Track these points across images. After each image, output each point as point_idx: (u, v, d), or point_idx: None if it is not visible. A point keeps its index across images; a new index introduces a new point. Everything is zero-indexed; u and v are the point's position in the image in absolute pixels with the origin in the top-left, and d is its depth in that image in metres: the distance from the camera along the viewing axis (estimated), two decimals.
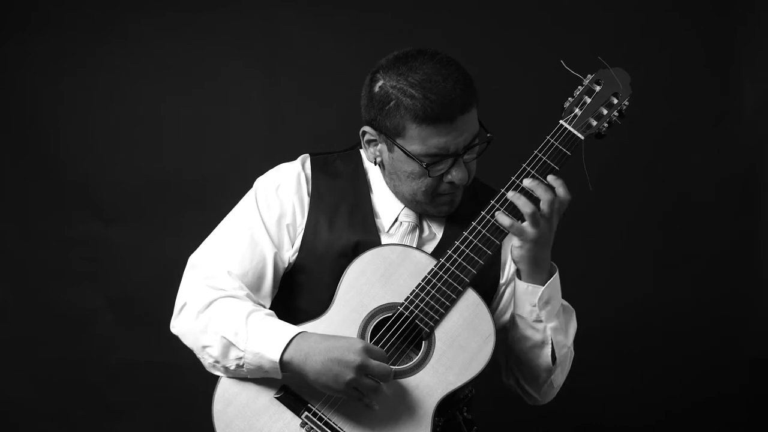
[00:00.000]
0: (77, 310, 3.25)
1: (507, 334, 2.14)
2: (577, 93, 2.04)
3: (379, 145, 2.08)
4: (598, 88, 2.03)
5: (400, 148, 2.02)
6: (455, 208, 2.11)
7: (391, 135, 2.02)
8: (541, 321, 2.04)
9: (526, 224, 1.97)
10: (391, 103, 2.00)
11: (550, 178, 1.99)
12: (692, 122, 3.30)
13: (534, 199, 1.98)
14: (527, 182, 1.98)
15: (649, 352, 3.31)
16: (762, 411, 3.32)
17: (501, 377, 2.22)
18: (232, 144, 3.27)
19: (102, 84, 3.24)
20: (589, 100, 2.03)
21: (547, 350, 2.07)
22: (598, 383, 3.23)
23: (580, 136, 2.02)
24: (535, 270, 2.02)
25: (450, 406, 2.14)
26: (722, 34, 3.28)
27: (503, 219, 1.98)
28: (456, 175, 2.03)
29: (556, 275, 2.04)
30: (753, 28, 3.28)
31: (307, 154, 2.19)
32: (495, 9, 3.25)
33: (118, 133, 3.25)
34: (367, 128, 2.08)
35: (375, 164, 2.13)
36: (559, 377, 2.14)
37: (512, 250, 2.02)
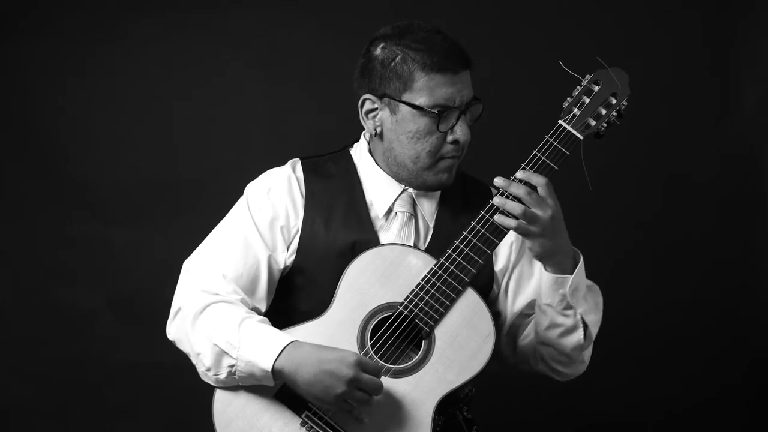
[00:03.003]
0: (77, 310, 3.25)
1: (524, 327, 2.18)
2: (575, 93, 2.04)
3: (380, 113, 2.10)
4: (596, 89, 2.04)
5: (407, 103, 2.05)
6: (451, 181, 2.12)
7: (396, 93, 2.05)
8: (571, 308, 2.05)
9: (522, 222, 1.97)
10: (397, 59, 2.05)
11: (518, 174, 1.99)
12: (692, 122, 3.30)
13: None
14: (499, 181, 1.98)
15: (649, 351, 3.31)
16: (762, 411, 3.32)
17: (530, 367, 2.21)
18: (232, 144, 3.27)
19: (102, 84, 3.24)
20: (587, 100, 2.03)
21: (579, 333, 2.08)
22: (599, 382, 3.22)
23: (579, 135, 2.02)
24: (559, 261, 2.02)
25: (450, 405, 2.14)
26: (722, 34, 3.28)
27: (505, 221, 1.98)
28: (460, 132, 2.05)
29: (582, 262, 2.05)
30: (753, 29, 3.28)
31: (297, 159, 2.20)
32: (495, 8, 3.25)
33: (118, 133, 3.25)
34: (367, 95, 2.10)
35: (374, 135, 2.14)
36: (589, 351, 2.16)
37: (528, 250, 2.03)
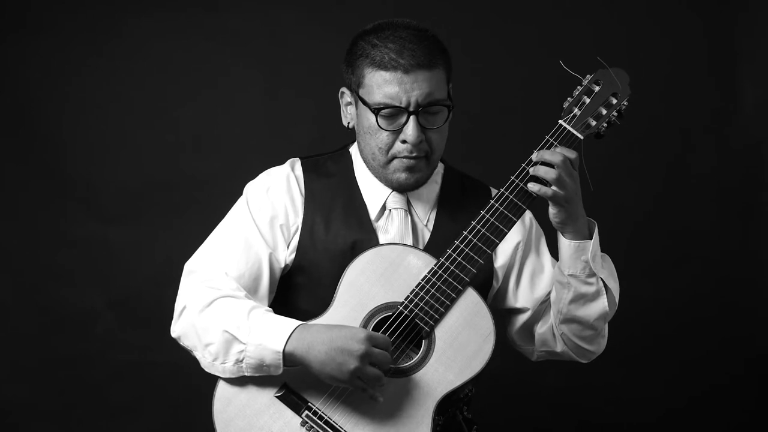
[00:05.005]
0: (77, 310, 3.25)
1: (541, 314, 2.19)
2: (576, 93, 2.04)
3: (350, 106, 2.13)
4: (597, 89, 2.04)
5: (360, 98, 2.06)
6: (417, 181, 2.11)
7: (356, 87, 2.08)
8: (594, 275, 2.07)
9: (554, 188, 1.98)
10: (358, 53, 2.06)
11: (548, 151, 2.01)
12: (692, 122, 3.30)
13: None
14: (536, 156, 2.00)
15: (649, 348, 3.32)
16: (762, 409, 3.32)
17: (549, 353, 2.22)
18: (232, 145, 3.27)
19: (103, 85, 3.24)
20: (588, 101, 2.03)
21: (603, 299, 2.09)
22: (598, 381, 3.23)
23: (579, 135, 2.03)
24: (579, 227, 2.04)
25: (450, 405, 2.14)
26: (722, 34, 3.28)
27: (541, 188, 1.99)
28: (408, 132, 2.03)
29: (597, 230, 2.07)
30: (753, 28, 3.29)
31: (297, 158, 2.21)
32: (495, 8, 3.26)
33: (119, 133, 3.25)
34: (344, 88, 2.14)
35: (348, 128, 2.17)
36: (606, 326, 2.17)
37: (552, 218, 2.04)
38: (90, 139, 3.25)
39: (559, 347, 2.19)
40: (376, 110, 2.03)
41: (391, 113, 2.04)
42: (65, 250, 3.25)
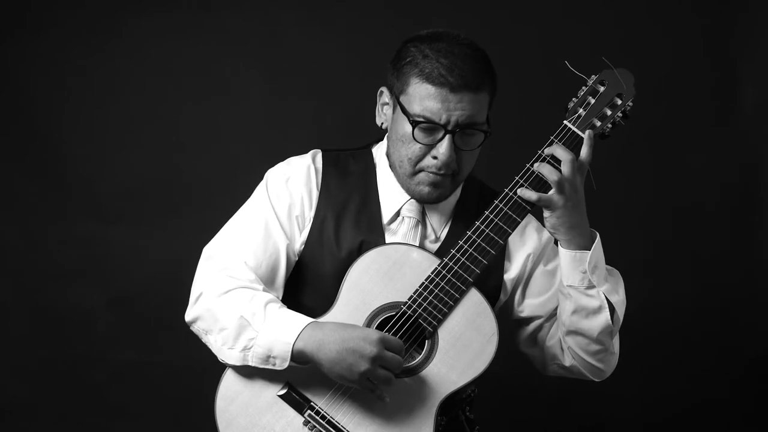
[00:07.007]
0: (77, 310, 3.25)
1: (549, 328, 2.18)
2: (581, 93, 2.04)
3: (388, 108, 2.10)
4: (602, 89, 2.04)
5: (400, 104, 2.04)
6: (439, 197, 2.10)
7: (397, 92, 2.05)
8: (594, 287, 2.05)
9: (552, 193, 1.98)
10: (407, 59, 2.03)
11: (547, 150, 2.01)
12: (692, 122, 3.31)
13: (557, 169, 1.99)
14: (547, 150, 2.00)
15: (650, 352, 3.32)
16: (763, 409, 3.33)
17: (561, 367, 2.20)
18: (233, 144, 3.27)
19: (103, 84, 3.23)
20: (593, 101, 2.03)
21: (606, 314, 2.06)
22: (601, 383, 3.22)
23: (584, 136, 2.02)
24: (575, 236, 2.03)
25: (452, 405, 2.14)
26: (722, 34, 3.29)
27: (529, 194, 1.99)
28: (441, 150, 2.02)
29: (599, 239, 2.06)
30: (753, 28, 3.29)
31: (319, 149, 2.20)
32: (496, 8, 3.26)
33: (119, 133, 3.25)
34: (384, 88, 2.11)
35: (381, 128, 2.15)
36: (616, 342, 2.15)
37: (545, 221, 2.03)
38: (90, 139, 3.25)
39: (568, 361, 2.17)
40: (414, 122, 2.02)
41: (429, 128, 2.02)
42: (65, 250, 3.24)
